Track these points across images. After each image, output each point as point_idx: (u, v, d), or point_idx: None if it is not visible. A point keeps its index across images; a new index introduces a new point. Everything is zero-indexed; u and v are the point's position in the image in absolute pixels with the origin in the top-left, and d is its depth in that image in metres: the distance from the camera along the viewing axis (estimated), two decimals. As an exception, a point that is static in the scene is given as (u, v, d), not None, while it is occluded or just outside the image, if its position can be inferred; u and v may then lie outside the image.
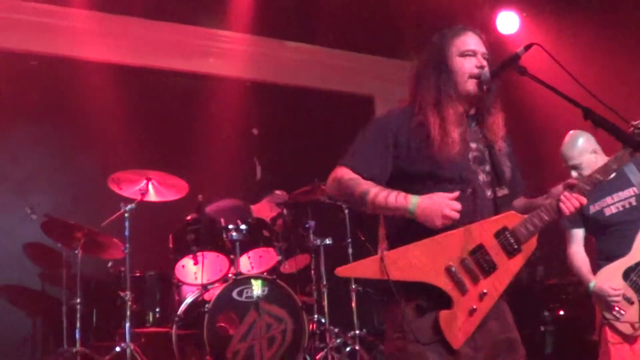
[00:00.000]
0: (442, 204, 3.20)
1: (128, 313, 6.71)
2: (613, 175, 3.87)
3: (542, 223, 3.33)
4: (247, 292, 6.76)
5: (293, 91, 10.23)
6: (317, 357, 7.25)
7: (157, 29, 9.13)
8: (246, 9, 9.20)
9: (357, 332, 7.57)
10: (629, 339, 5.07)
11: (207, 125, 9.17)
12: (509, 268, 3.29)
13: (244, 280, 6.81)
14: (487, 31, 8.43)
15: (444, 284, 3.23)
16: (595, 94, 3.34)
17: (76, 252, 6.93)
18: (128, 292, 6.77)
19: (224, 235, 7.16)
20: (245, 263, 7.35)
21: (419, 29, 9.83)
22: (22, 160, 8.28)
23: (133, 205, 6.98)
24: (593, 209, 5.26)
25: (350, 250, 7.92)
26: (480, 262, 3.27)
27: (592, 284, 5.15)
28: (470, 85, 3.47)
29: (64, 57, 8.59)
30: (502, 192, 3.46)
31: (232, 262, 7.12)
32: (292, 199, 7.97)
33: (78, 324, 6.75)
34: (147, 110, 8.98)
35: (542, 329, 7.35)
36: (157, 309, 7.28)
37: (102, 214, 7.23)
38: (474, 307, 3.23)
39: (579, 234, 5.41)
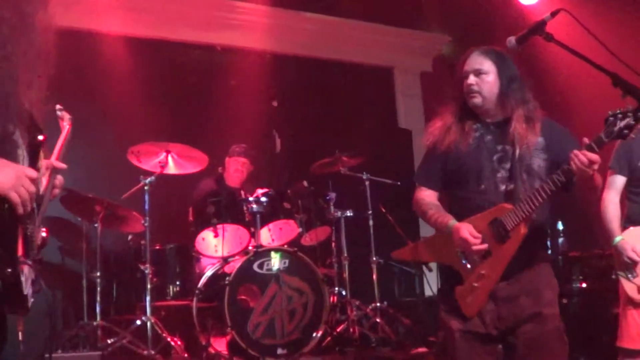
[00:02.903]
0: (460, 229, 3.80)
1: (148, 286, 6.72)
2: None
3: (525, 213, 3.70)
4: (267, 265, 6.74)
5: (312, 63, 10.17)
6: (338, 330, 7.25)
7: (175, 1, 9.07)
8: (265, -20, 9.17)
9: (378, 304, 7.59)
10: (633, 304, 4.97)
11: (227, 97, 9.14)
12: (502, 253, 3.78)
13: (264, 253, 6.78)
14: (508, 2, 8.41)
15: (457, 265, 3.91)
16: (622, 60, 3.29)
17: (96, 225, 6.95)
18: (148, 266, 6.78)
19: (244, 208, 7.13)
20: (266, 235, 7.32)
21: (439, -1, 9.76)
22: (41, 133, 8.26)
23: (153, 178, 6.97)
24: None
25: (371, 222, 7.89)
26: None
27: (617, 239, 5.00)
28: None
29: (82, 30, 8.48)
30: (509, 186, 3.84)
31: (253, 235, 7.09)
32: (312, 170, 7.94)
33: (98, 298, 6.78)
34: (166, 83, 8.96)
35: (565, 301, 7.29)
36: (178, 282, 7.30)
37: (121, 187, 7.22)
38: (476, 285, 3.82)
39: (620, 181, 5.14)
